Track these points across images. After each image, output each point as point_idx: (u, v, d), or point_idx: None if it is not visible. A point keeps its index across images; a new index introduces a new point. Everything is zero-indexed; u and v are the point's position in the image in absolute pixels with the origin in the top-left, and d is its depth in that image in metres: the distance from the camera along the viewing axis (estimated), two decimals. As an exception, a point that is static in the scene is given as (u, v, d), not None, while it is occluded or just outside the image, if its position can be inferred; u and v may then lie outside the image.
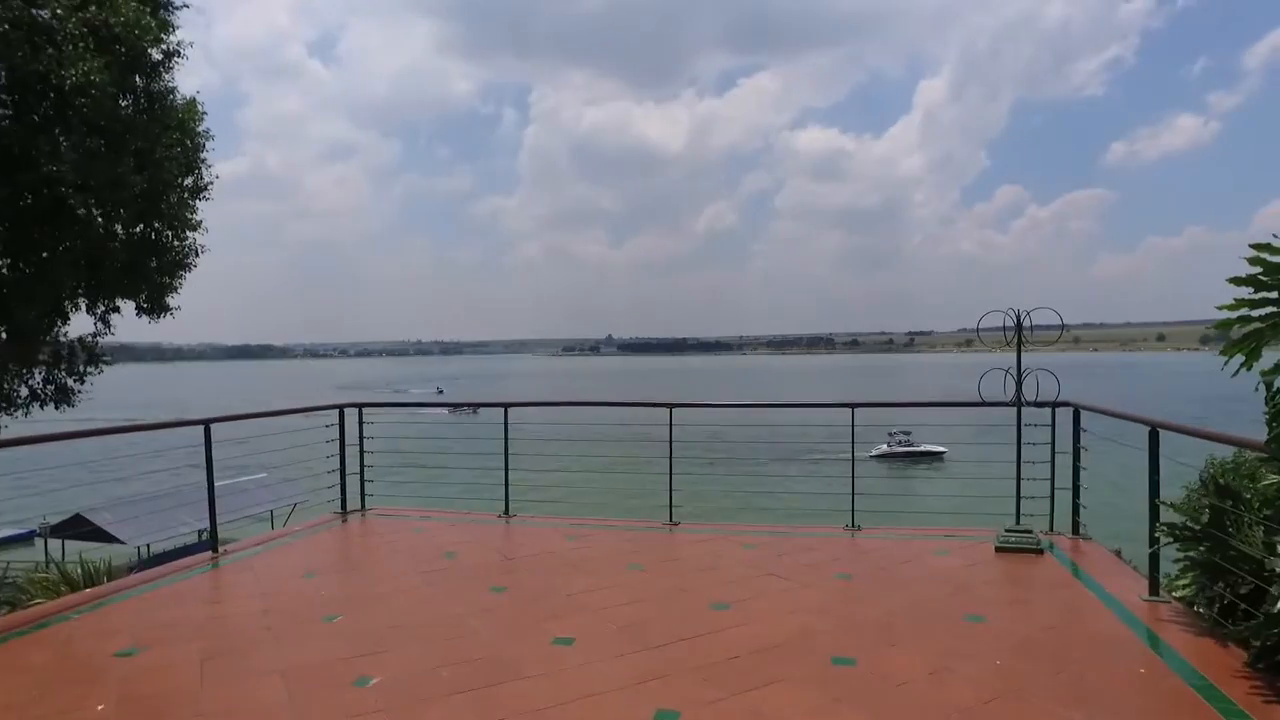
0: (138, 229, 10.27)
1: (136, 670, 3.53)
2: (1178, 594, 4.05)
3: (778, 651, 3.59)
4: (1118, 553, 5.38)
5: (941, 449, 33.17)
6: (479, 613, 4.24)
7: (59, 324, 10.80)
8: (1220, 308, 3.24)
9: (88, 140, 8.76)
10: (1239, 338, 3.24)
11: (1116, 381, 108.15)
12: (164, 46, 9.85)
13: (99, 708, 3.11)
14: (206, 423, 5.40)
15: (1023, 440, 5.40)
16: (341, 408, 6.76)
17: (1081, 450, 5.29)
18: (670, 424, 6.36)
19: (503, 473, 6.75)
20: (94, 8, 8.62)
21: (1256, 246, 3.11)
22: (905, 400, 51.50)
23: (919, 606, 4.22)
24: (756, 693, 3.16)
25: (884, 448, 37.02)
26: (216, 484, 5.64)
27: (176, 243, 10.67)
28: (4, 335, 10.02)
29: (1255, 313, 3.21)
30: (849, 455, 6.04)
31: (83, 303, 10.67)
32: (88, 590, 5.40)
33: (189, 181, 10.52)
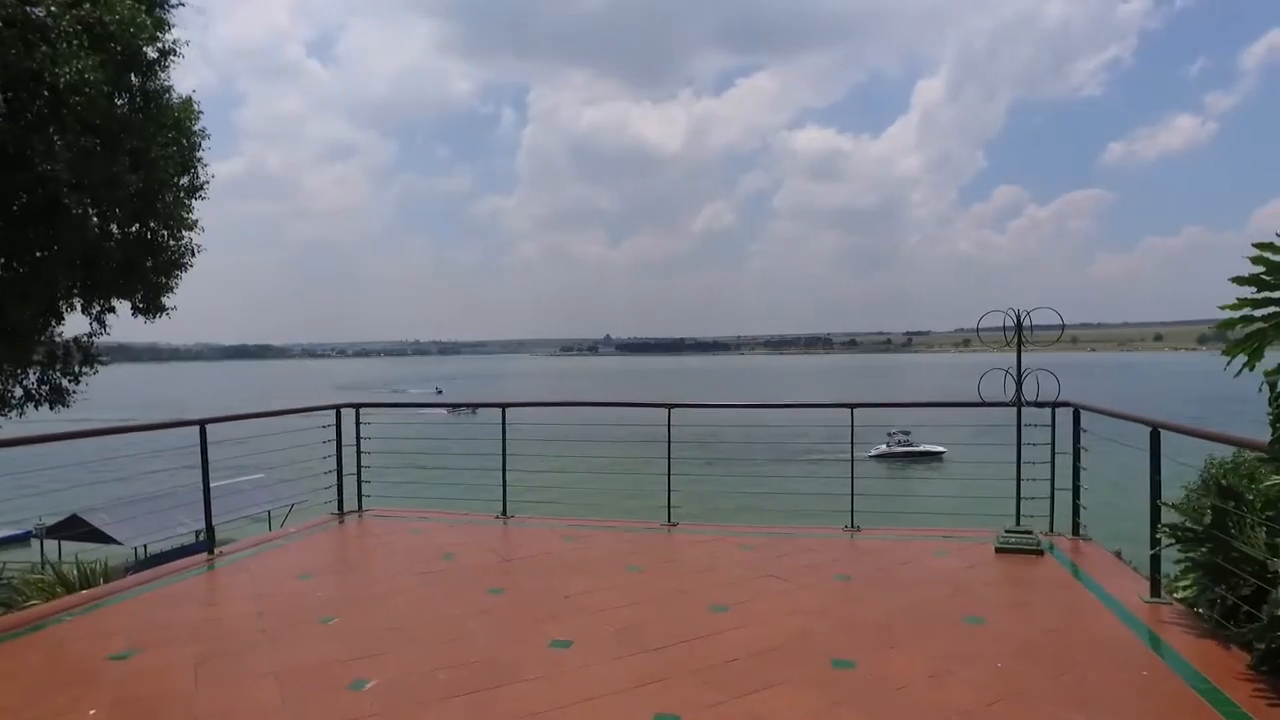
0: (133, 228, 10.22)
1: (130, 673, 3.50)
2: (1179, 595, 4.03)
3: (777, 654, 3.56)
4: (1118, 554, 5.37)
5: (940, 449, 33.19)
6: (476, 614, 4.21)
7: (53, 324, 10.74)
8: (1223, 307, 3.22)
9: (82, 139, 8.71)
10: (1242, 338, 3.21)
11: (1114, 381, 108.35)
12: (160, 45, 9.80)
13: (90, 712, 3.07)
14: (201, 423, 5.37)
15: (1022, 440, 5.39)
16: (338, 408, 6.72)
17: (1081, 451, 5.28)
18: (668, 424, 6.34)
19: (500, 473, 6.72)
20: (88, 5, 8.56)
21: (1260, 246, 3.09)
22: (904, 400, 51.52)
23: (919, 608, 4.20)
24: (756, 696, 3.13)
25: (883, 448, 37.02)
26: (214, 484, 5.61)
27: (172, 242, 10.62)
28: (-2, 335, 9.97)
29: (1258, 312, 3.18)
30: (848, 456, 6.02)
31: (78, 302, 10.61)
32: (83, 592, 5.36)
33: (185, 181, 10.47)
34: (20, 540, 24.62)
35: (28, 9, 8.32)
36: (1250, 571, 3.35)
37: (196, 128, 10.42)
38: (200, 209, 10.86)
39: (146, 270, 10.41)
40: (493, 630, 3.98)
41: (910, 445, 37.19)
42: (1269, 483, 3.61)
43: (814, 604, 4.29)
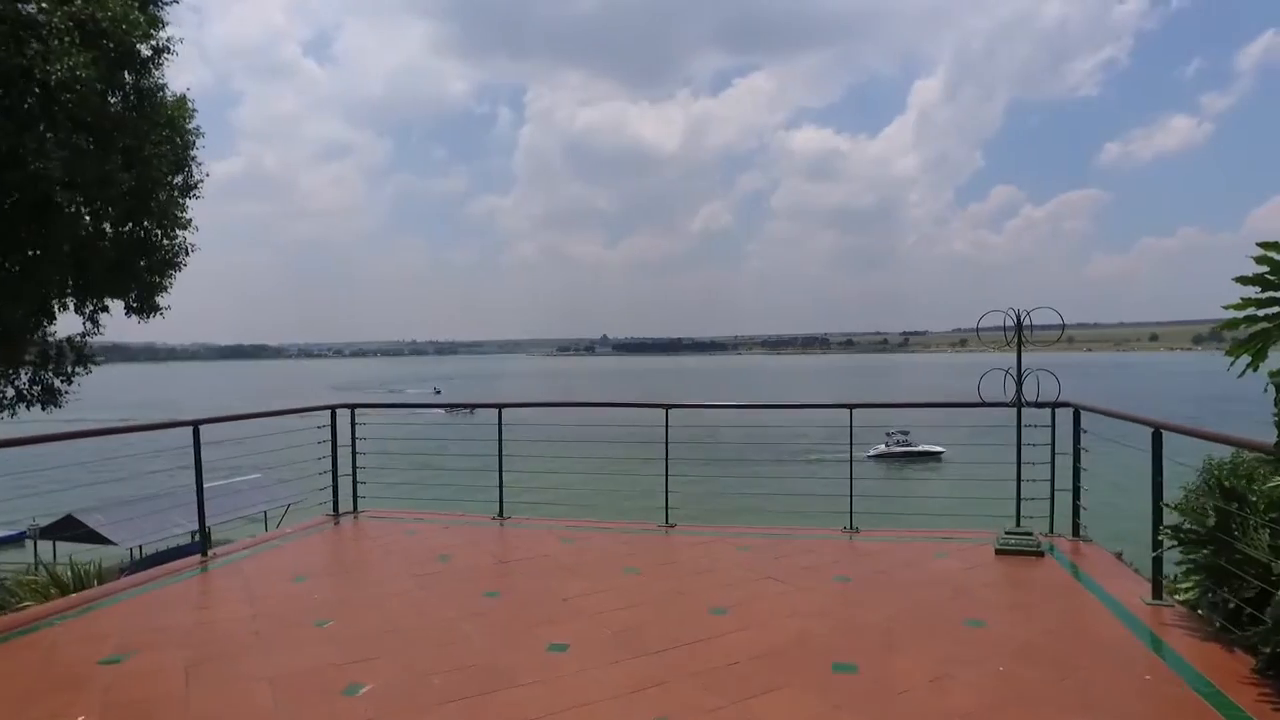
0: (126, 227, 10.14)
1: (121, 677, 3.45)
2: (1181, 598, 3.99)
3: (777, 657, 3.53)
4: (1119, 555, 5.33)
5: (939, 449, 33.20)
6: (472, 617, 4.17)
7: (45, 323, 10.66)
8: (1226, 307, 3.19)
9: (75, 137, 8.64)
10: (1246, 338, 3.18)
11: (1111, 381, 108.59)
12: (153, 42, 9.72)
13: (80, 718, 3.02)
14: (195, 424, 5.32)
15: (1022, 441, 5.35)
16: (333, 408, 6.67)
17: (1081, 451, 5.25)
18: (666, 425, 6.30)
19: (497, 474, 6.68)
20: (80, 1, 8.49)
21: (1265, 245, 3.06)
22: (902, 400, 51.56)
23: (919, 610, 4.17)
24: (756, 700, 3.09)
25: (881, 448, 37.03)
26: (212, 485, 5.57)
27: (166, 241, 10.55)
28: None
29: (1262, 312, 3.15)
30: (847, 456, 5.99)
31: (70, 302, 10.53)
32: (75, 594, 5.30)
33: (179, 180, 10.40)
34: (15, 541, 24.51)
35: (18, 5, 8.25)
36: (1254, 574, 3.31)
37: (190, 126, 10.35)
38: (197, 209, 10.81)
39: (139, 269, 10.33)
40: (489, 633, 3.94)
41: (909, 445, 37.20)
42: (1272, 484, 3.58)
43: (814, 606, 4.25)
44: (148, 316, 10.89)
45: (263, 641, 3.87)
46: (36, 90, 8.34)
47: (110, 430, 5.40)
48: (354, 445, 6.71)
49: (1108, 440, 5.01)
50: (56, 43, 8.18)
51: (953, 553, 5.29)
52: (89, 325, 11.12)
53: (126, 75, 9.58)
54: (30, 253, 9.06)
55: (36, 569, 9.60)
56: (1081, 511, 5.44)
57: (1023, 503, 5.43)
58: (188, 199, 10.64)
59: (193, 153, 10.47)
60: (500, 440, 6.66)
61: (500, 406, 6.78)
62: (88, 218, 9.44)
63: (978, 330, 5.17)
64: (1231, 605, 3.50)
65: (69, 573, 6.92)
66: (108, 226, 9.94)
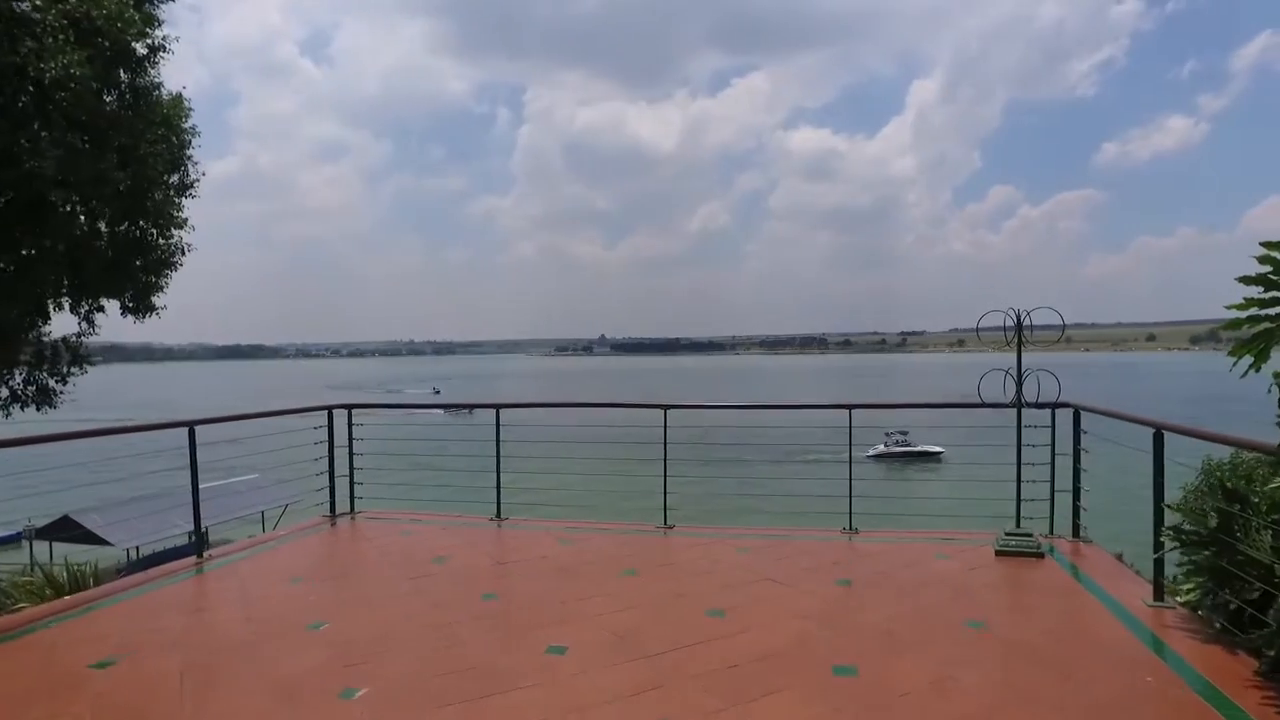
0: (122, 227, 10.06)
1: (114, 681, 3.42)
2: (1182, 599, 3.98)
3: (777, 659, 3.50)
4: (1119, 556, 5.32)
5: (938, 449, 33.20)
6: (470, 620, 4.14)
7: (40, 324, 10.59)
8: (1229, 307, 3.17)
9: (69, 136, 8.57)
10: (1248, 338, 3.16)
11: (1110, 381, 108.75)
12: (149, 41, 9.65)
13: (73, 722, 2.99)
14: (191, 424, 5.29)
15: (1022, 441, 5.33)
16: (330, 409, 6.64)
17: (1081, 452, 5.23)
18: (664, 425, 6.27)
19: (495, 475, 6.65)
20: (75, -1, 8.43)
21: (1268, 245, 3.04)
22: (901, 401, 51.61)
23: (919, 612, 4.14)
24: (756, 703, 3.07)
25: (880, 448, 37.02)
26: (209, 485, 5.54)
27: (161, 241, 10.47)
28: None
29: (1265, 312, 3.13)
30: (846, 457, 5.97)
31: (66, 302, 10.46)
32: (69, 596, 5.27)
33: (174, 179, 10.33)
34: (11, 542, 24.41)
35: (12, 2, 8.19)
36: (1257, 576, 3.29)
37: (187, 125, 10.28)
38: (193, 208, 10.73)
39: (135, 269, 10.26)
40: (486, 636, 3.91)
41: (908, 445, 37.20)
42: (1273, 485, 3.56)
43: (814, 608, 4.23)
44: (144, 316, 10.82)
45: (258, 644, 3.84)
46: (30, 88, 8.28)
47: (107, 431, 5.36)
48: (351, 446, 6.69)
49: (1108, 441, 4.99)
50: (51, 40, 8.12)
51: (953, 554, 5.26)
52: (84, 325, 11.04)
53: (122, 74, 9.51)
54: (25, 252, 9.00)
55: (32, 570, 9.54)
56: (1082, 512, 5.42)
57: (1023, 504, 5.41)
58: (184, 198, 10.56)
59: (189, 152, 10.40)
60: (498, 441, 6.63)
61: (498, 407, 6.76)
62: (83, 217, 9.37)
63: (978, 330, 5.15)
64: (1233, 607, 3.48)
65: (65, 574, 6.88)
66: (103, 226, 9.86)
